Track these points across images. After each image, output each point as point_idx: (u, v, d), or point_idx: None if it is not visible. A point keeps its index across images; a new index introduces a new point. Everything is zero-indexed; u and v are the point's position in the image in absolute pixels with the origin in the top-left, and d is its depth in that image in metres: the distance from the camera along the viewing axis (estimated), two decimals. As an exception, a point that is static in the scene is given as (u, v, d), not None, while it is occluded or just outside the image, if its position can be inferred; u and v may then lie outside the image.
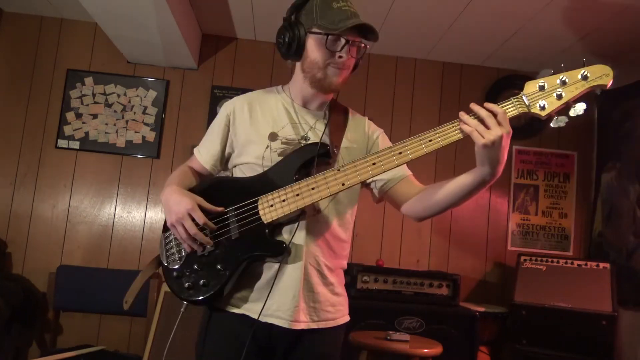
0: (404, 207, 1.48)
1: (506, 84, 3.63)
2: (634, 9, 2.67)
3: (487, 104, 1.22)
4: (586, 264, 3.01)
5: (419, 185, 1.49)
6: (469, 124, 1.21)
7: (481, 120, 1.20)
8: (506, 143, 1.20)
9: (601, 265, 2.98)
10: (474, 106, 1.22)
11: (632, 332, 3.00)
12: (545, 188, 3.62)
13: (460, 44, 3.36)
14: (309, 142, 1.43)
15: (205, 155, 1.53)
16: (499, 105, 1.22)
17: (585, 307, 2.86)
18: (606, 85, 1.20)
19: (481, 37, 3.23)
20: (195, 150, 1.57)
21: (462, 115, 1.23)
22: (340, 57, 1.37)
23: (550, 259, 3.09)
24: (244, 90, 3.17)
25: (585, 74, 1.20)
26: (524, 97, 1.23)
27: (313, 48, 1.39)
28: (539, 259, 3.11)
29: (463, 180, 1.31)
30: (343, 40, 1.36)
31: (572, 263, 3.03)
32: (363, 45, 1.41)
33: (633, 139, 3.18)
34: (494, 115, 1.20)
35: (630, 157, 3.21)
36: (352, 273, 2.90)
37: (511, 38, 3.18)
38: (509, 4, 2.76)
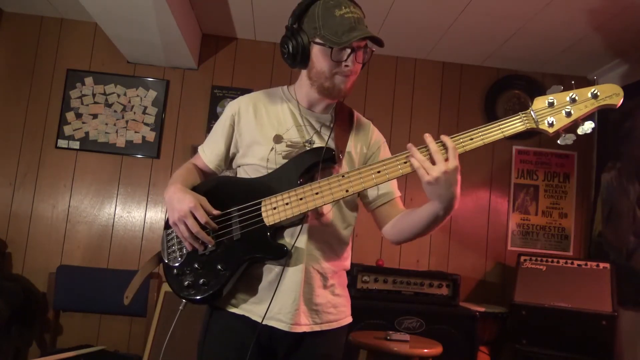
0: (384, 230, 1.50)
1: (506, 84, 3.64)
2: (634, 8, 2.67)
3: (442, 136, 1.18)
4: (586, 264, 3.01)
5: (401, 209, 1.48)
6: (417, 158, 1.18)
7: (430, 155, 1.17)
8: (454, 179, 1.17)
9: (601, 265, 2.98)
10: (427, 137, 1.19)
11: (632, 332, 3.00)
12: (545, 188, 3.62)
13: (460, 44, 3.36)
14: (313, 146, 1.42)
15: (209, 155, 1.53)
16: (506, 120, 1.20)
17: (585, 307, 2.86)
18: (616, 105, 1.18)
19: (481, 37, 3.23)
20: (199, 149, 1.57)
21: (411, 147, 1.20)
22: (346, 65, 1.35)
23: (550, 259, 3.09)
24: (243, 90, 3.17)
25: (595, 92, 1.18)
26: (532, 113, 1.20)
27: (318, 58, 1.36)
28: (539, 259, 3.11)
29: (420, 213, 1.31)
30: (348, 50, 1.33)
31: (572, 263, 3.03)
32: (369, 48, 1.39)
33: (633, 139, 3.18)
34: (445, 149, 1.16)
35: (630, 157, 3.21)
36: (352, 273, 2.89)
37: (511, 38, 3.18)
38: (509, 4, 2.76)
